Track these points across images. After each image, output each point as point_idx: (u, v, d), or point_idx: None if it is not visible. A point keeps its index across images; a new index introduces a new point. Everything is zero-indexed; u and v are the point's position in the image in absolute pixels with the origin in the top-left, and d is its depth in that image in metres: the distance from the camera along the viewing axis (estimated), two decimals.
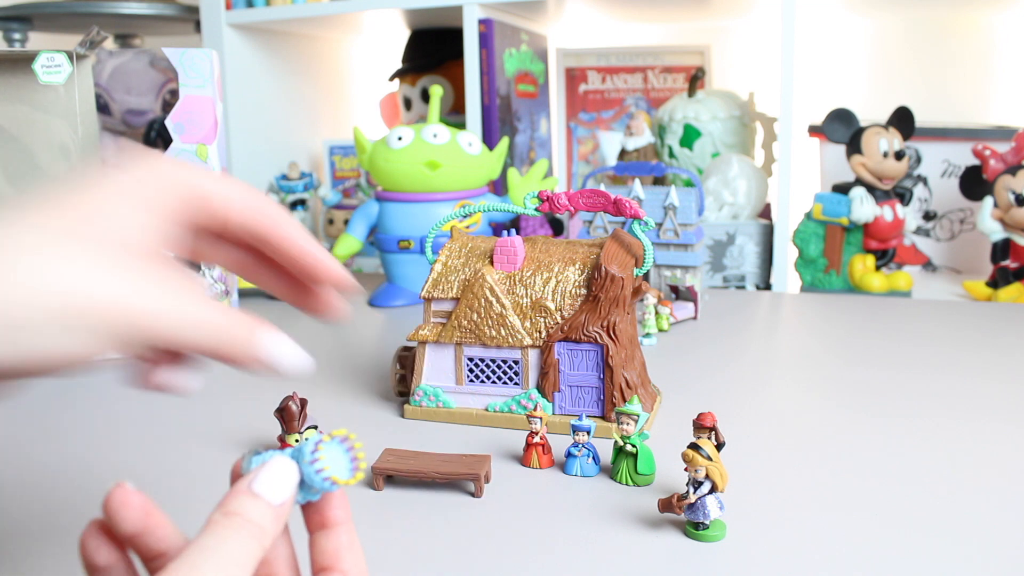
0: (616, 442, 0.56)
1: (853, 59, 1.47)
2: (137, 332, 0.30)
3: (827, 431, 0.64)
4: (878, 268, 1.16)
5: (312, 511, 0.31)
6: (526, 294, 0.65)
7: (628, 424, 0.56)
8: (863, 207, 1.12)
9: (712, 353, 0.86)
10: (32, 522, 0.52)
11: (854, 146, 1.14)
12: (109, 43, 1.77)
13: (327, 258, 0.36)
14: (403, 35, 1.60)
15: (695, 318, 1.00)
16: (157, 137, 1.46)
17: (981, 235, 1.20)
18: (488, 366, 0.67)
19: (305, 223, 1.49)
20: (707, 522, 0.47)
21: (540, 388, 0.65)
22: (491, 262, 0.67)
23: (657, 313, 0.94)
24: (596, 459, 0.57)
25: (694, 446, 0.47)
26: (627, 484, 0.55)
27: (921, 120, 1.24)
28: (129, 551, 0.30)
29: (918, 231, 1.29)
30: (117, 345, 0.29)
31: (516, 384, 0.66)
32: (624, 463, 0.56)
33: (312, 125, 1.65)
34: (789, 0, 1.12)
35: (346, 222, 1.48)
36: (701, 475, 0.47)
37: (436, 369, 0.68)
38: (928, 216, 1.28)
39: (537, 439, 0.59)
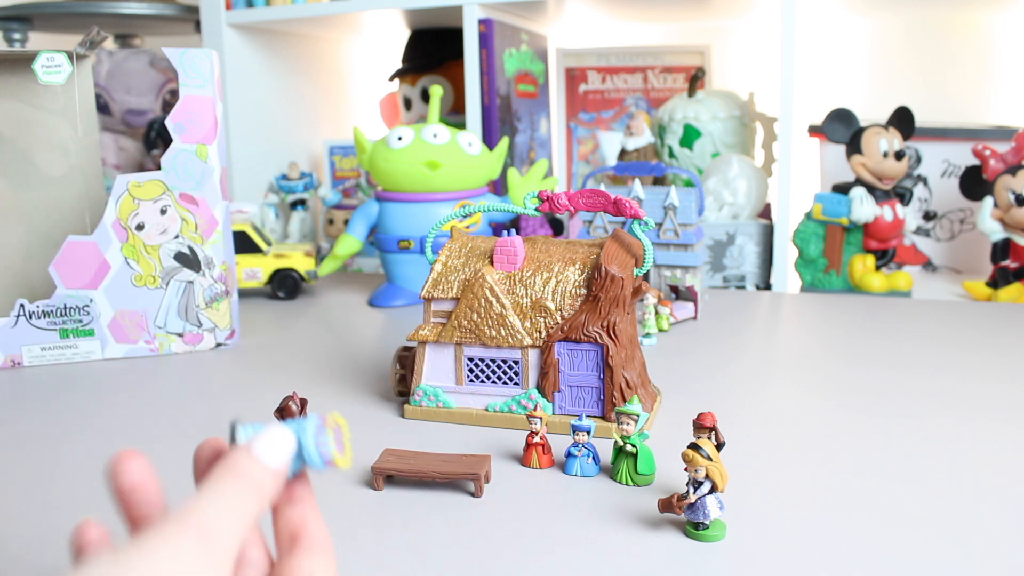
0: (616, 442, 0.56)
1: (853, 59, 1.47)
2: None
3: (827, 431, 0.64)
4: (878, 268, 1.16)
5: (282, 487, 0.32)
6: (526, 294, 0.65)
7: (628, 424, 0.56)
8: (863, 207, 1.12)
9: (712, 353, 0.86)
10: (32, 522, 0.52)
11: (854, 146, 1.14)
12: (109, 43, 1.77)
13: None
14: (403, 35, 1.60)
15: (695, 318, 1.00)
16: (157, 137, 1.46)
17: (981, 235, 1.20)
18: (488, 366, 0.67)
19: (305, 223, 1.49)
20: (707, 522, 0.47)
21: (540, 388, 0.65)
22: (491, 262, 0.67)
23: (657, 313, 0.94)
24: (596, 459, 0.57)
25: (694, 446, 0.47)
26: (627, 484, 0.55)
27: (921, 120, 1.24)
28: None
29: (918, 231, 1.29)
30: None
31: (516, 384, 0.66)
32: (624, 463, 0.56)
33: (312, 125, 1.65)
34: (789, 0, 1.12)
35: (346, 222, 1.48)
36: (701, 475, 0.47)
37: (436, 369, 0.68)
38: (928, 216, 1.28)
39: (537, 439, 0.59)
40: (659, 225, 1.04)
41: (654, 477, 0.56)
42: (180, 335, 0.90)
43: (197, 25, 1.53)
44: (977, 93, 1.40)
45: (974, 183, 1.15)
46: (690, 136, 1.30)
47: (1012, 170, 1.09)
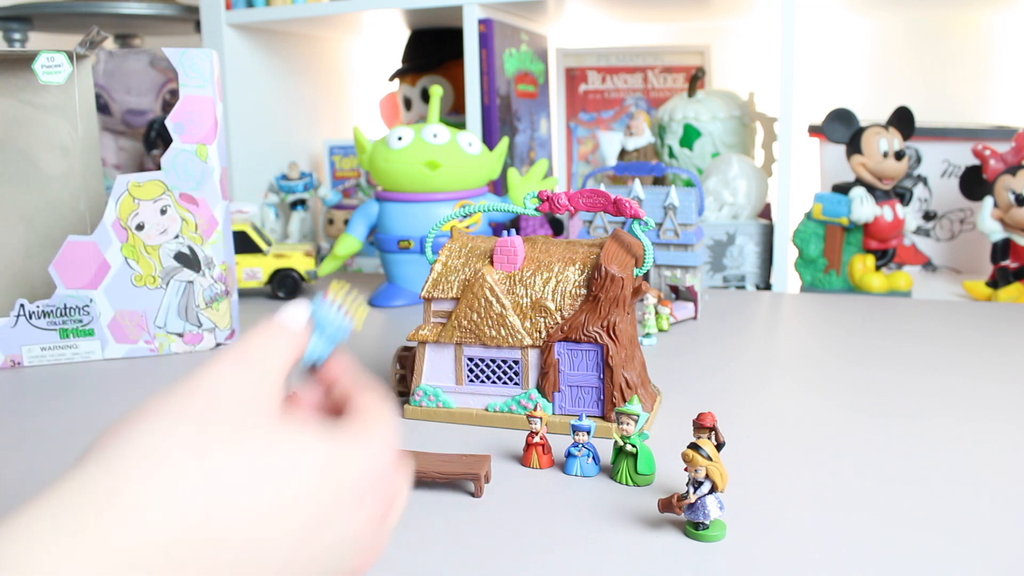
0: (616, 442, 0.56)
1: (853, 59, 1.47)
2: None
3: (827, 431, 0.64)
4: (878, 268, 1.16)
5: (324, 374, 0.36)
6: (526, 294, 0.65)
7: (628, 424, 0.56)
8: (863, 207, 1.12)
9: (712, 353, 0.86)
10: None
11: (854, 146, 1.14)
12: (109, 43, 1.77)
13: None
14: (403, 35, 1.60)
15: (695, 318, 1.00)
16: (157, 137, 1.46)
17: (981, 235, 1.20)
18: (488, 366, 0.67)
19: (305, 223, 1.49)
20: (707, 522, 0.47)
21: (540, 388, 0.65)
22: (491, 262, 0.67)
23: (657, 313, 0.94)
24: (596, 459, 0.57)
25: (694, 446, 0.47)
26: (627, 484, 0.55)
27: (921, 120, 1.24)
28: None
29: (918, 231, 1.29)
30: None
31: (516, 384, 0.66)
32: (624, 463, 0.56)
33: (312, 125, 1.65)
34: (789, 0, 1.12)
35: (346, 222, 1.48)
36: (701, 475, 0.47)
37: (436, 369, 0.68)
38: (928, 216, 1.28)
39: (537, 439, 0.59)
40: (659, 225, 1.04)
41: (654, 477, 0.56)
42: (180, 335, 0.90)
43: (197, 25, 1.53)
44: (977, 93, 1.40)
45: (974, 183, 1.15)
46: (690, 136, 1.30)
47: (1012, 170, 1.09)
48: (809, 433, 0.64)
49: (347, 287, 0.37)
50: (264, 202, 1.48)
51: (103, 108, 1.50)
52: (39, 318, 0.86)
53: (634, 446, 0.55)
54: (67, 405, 0.74)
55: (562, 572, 0.45)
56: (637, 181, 1.04)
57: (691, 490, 0.47)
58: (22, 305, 0.85)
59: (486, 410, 0.67)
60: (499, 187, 1.27)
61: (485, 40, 1.26)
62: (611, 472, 0.57)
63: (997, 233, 1.11)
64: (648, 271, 0.95)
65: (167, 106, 1.52)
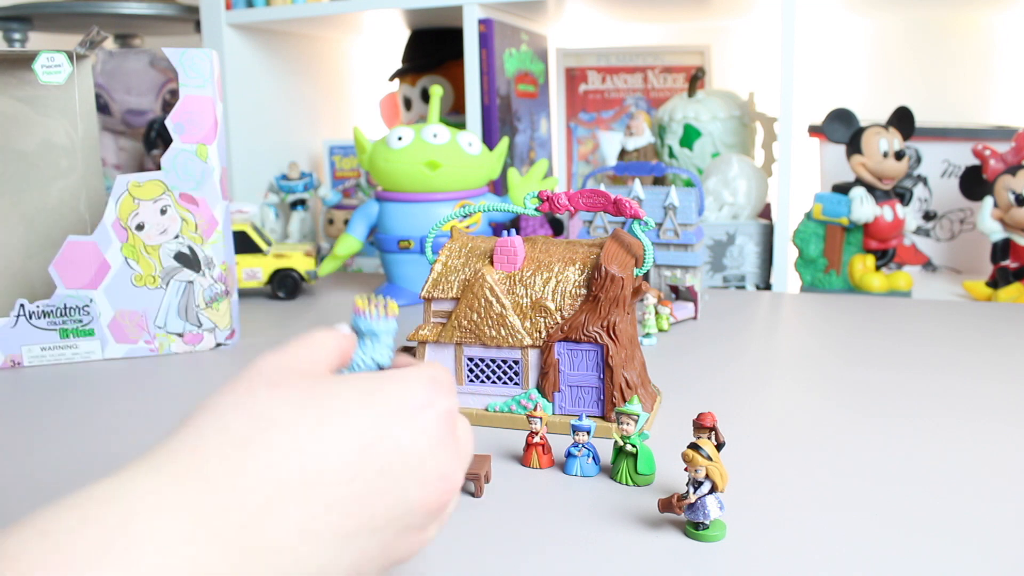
0: (616, 442, 0.56)
1: (853, 59, 1.47)
2: None
3: (827, 431, 0.64)
4: (878, 268, 1.16)
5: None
6: (526, 294, 0.65)
7: (628, 424, 0.56)
8: (863, 207, 1.12)
9: (712, 353, 0.86)
10: None
11: (854, 146, 1.14)
12: (109, 43, 1.77)
13: None
14: (403, 35, 1.60)
15: (695, 318, 1.00)
16: (157, 137, 1.46)
17: (981, 235, 1.20)
18: (488, 366, 0.67)
19: (305, 223, 1.49)
20: (707, 522, 0.47)
21: (540, 388, 0.65)
22: (491, 262, 0.67)
23: (657, 313, 0.94)
24: (596, 459, 0.57)
25: (694, 446, 0.47)
26: (627, 484, 0.55)
27: (921, 120, 1.24)
28: None
29: (918, 231, 1.29)
30: None
31: (516, 384, 0.66)
32: (624, 463, 0.56)
33: (312, 125, 1.65)
34: (789, 0, 1.12)
35: (346, 222, 1.48)
36: (701, 475, 0.47)
37: None
38: (928, 216, 1.28)
39: (537, 439, 0.59)
40: (659, 225, 1.04)
41: (654, 477, 0.56)
42: (180, 335, 0.90)
43: (197, 25, 1.53)
44: (977, 93, 1.40)
45: (974, 183, 1.15)
46: (690, 136, 1.30)
47: (1012, 170, 1.09)
48: (809, 433, 0.64)
49: (368, 296, 0.40)
50: (264, 202, 1.48)
51: (103, 108, 1.50)
52: (39, 318, 0.86)
53: (634, 446, 0.55)
54: (67, 405, 0.74)
55: (562, 572, 0.45)
56: (637, 181, 1.04)
57: (691, 490, 0.47)
58: (22, 305, 0.85)
59: (486, 410, 0.67)
60: (499, 187, 1.27)
61: (485, 40, 1.26)
62: (611, 472, 0.57)
63: (997, 233, 1.11)
64: (648, 271, 0.95)
65: (167, 106, 1.52)
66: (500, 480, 0.57)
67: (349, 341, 0.39)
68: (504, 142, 1.17)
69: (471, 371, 0.67)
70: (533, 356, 0.65)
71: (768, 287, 1.20)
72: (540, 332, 0.65)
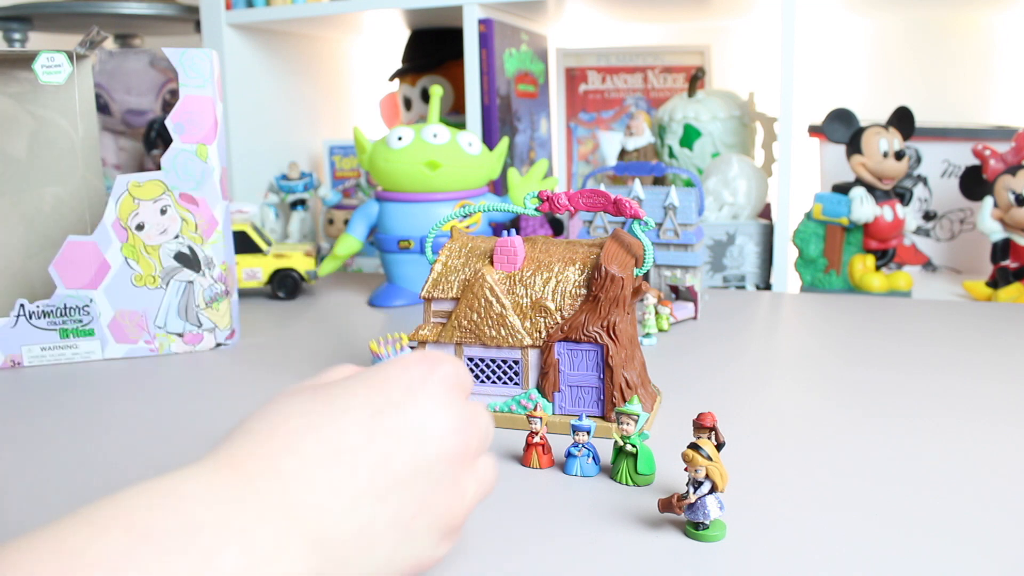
0: (616, 442, 0.56)
1: (853, 59, 1.47)
2: None
3: (827, 431, 0.64)
4: (878, 268, 1.16)
5: None
6: (526, 294, 0.65)
7: (628, 424, 0.56)
8: (863, 207, 1.12)
9: (712, 353, 0.86)
10: (32, 522, 0.52)
11: (854, 146, 1.14)
12: (109, 43, 1.77)
13: None
14: (403, 35, 1.60)
15: (695, 318, 1.00)
16: (157, 137, 1.47)
17: (981, 235, 1.20)
18: (488, 366, 0.67)
19: (305, 223, 1.49)
20: (707, 522, 0.47)
21: (540, 388, 0.65)
22: (491, 262, 0.67)
23: (657, 313, 0.94)
24: (596, 459, 0.57)
25: (694, 446, 0.47)
26: (627, 484, 0.55)
27: (921, 120, 1.24)
28: None
29: (918, 231, 1.29)
30: None
31: (516, 384, 0.66)
32: (624, 463, 0.56)
33: (312, 125, 1.65)
34: (789, 0, 1.12)
35: (346, 222, 1.48)
36: (701, 475, 0.47)
37: None
38: (928, 216, 1.28)
39: (537, 439, 0.59)
40: (659, 225, 1.04)
41: (654, 477, 0.56)
42: (180, 335, 0.90)
43: (197, 25, 1.53)
44: (977, 93, 1.40)
45: (974, 183, 1.15)
46: (690, 136, 1.30)
47: (1012, 170, 1.09)
48: (809, 433, 0.64)
49: (378, 338, 0.43)
50: (264, 202, 1.48)
51: (103, 108, 1.50)
52: (39, 318, 0.86)
53: (634, 446, 0.55)
54: (67, 405, 0.74)
55: (562, 572, 0.45)
56: (637, 181, 1.04)
57: (691, 490, 0.47)
58: (22, 305, 0.85)
59: (485, 408, 0.67)
60: (499, 187, 1.27)
61: (485, 40, 1.26)
62: (611, 472, 0.57)
63: (997, 233, 1.11)
64: (648, 271, 0.95)
65: (167, 106, 1.52)
66: (500, 480, 0.56)
67: None
68: (504, 142, 1.17)
69: (471, 371, 0.67)
70: (533, 356, 0.65)
71: (768, 287, 1.20)
72: (540, 332, 0.65)
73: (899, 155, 1.12)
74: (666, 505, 0.48)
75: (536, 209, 0.68)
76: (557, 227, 1.39)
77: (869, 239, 1.15)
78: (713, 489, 0.47)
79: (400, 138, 1.08)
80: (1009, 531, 0.48)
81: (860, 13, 1.41)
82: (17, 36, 1.55)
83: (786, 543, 0.47)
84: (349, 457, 0.35)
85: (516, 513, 0.52)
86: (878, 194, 1.14)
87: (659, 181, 1.28)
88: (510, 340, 0.65)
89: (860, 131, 1.14)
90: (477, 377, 0.67)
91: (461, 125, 1.36)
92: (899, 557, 0.46)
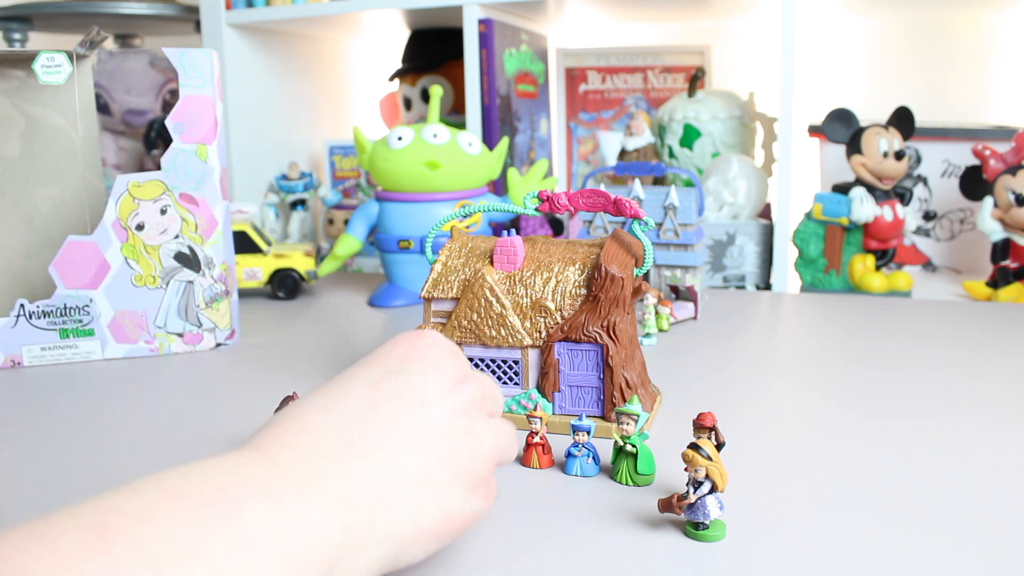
0: (616, 442, 0.56)
1: (853, 59, 1.47)
2: None
3: (827, 431, 0.64)
4: (878, 268, 1.16)
5: None
6: (526, 294, 0.65)
7: (628, 424, 0.56)
8: (863, 207, 1.12)
9: (712, 353, 0.86)
10: None
11: (854, 146, 1.14)
12: (109, 43, 1.77)
13: None
14: (403, 35, 1.60)
15: (695, 318, 1.00)
16: (157, 137, 1.47)
17: (981, 235, 1.20)
18: (488, 366, 0.67)
19: (305, 223, 1.49)
20: (707, 522, 0.47)
21: (540, 388, 0.65)
22: (491, 262, 0.67)
23: (657, 313, 0.94)
24: (596, 459, 0.57)
25: (694, 446, 0.47)
26: (627, 484, 0.55)
27: (921, 120, 1.24)
28: None
29: (918, 231, 1.29)
30: None
31: (516, 384, 0.66)
32: (624, 463, 0.56)
33: (312, 125, 1.65)
34: (789, 0, 1.12)
35: (346, 222, 1.48)
36: (701, 475, 0.47)
37: None
38: (928, 216, 1.28)
39: (537, 439, 0.59)
40: (659, 225, 1.04)
41: (654, 477, 0.56)
42: (180, 335, 0.90)
43: (197, 25, 1.53)
44: (977, 93, 1.40)
45: (974, 183, 1.15)
46: (690, 136, 1.30)
47: (1012, 170, 1.09)
48: (809, 433, 0.64)
49: None
50: (264, 202, 1.48)
51: (103, 108, 1.50)
52: (39, 318, 0.86)
53: (634, 446, 0.55)
54: (67, 405, 0.74)
55: (562, 572, 0.45)
56: (637, 181, 1.04)
57: (691, 490, 0.47)
58: (22, 305, 0.85)
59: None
60: (499, 187, 1.27)
61: (485, 40, 1.26)
62: (611, 472, 0.57)
63: (997, 233, 1.11)
64: (648, 271, 0.95)
65: (167, 106, 1.52)
66: (500, 480, 0.56)
67: None
68: (504, 142, 1.17)
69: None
70: (533, 356, 0.65)
71: (768, 287, 1.20)
72: (540, 332, 0.65)
73: (899, 155, 1.12)
74: (666, 505, 0.48)
75: (536, 209, 0.68)
76: (557, 227, 1.39)
77: (869, 239, 1.15)
78: (713, 489, 0.47)
79: (400, 138, 1.08)
80: (1009, 531, 0.48)
81: (860, 13, 1.41)
82: (17, 36, 1.55)
83: (786, 543, 0.47)
84: (358, 424, 0.37)
85: (516, 513, 0.52)
86: (878, 194, 1.14)
87: (659, 181, 1.28)
88: (510, 340, 0.65)
89: (860, 131, 1.14)
90: None
91: (461, 125, 1.36)
92: (899, 557, 0.46)
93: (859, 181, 1.15)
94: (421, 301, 1.05)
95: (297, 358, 0.87)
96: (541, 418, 0.58)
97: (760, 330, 0.96)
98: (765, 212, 1.28)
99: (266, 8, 1.38)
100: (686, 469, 0.47)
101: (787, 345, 0.91)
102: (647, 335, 0.91)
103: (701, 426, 0.50)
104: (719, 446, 0.49)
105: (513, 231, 0.69)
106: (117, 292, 0.87)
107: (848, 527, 0.49)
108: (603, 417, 0.64)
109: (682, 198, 1.03)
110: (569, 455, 0.57)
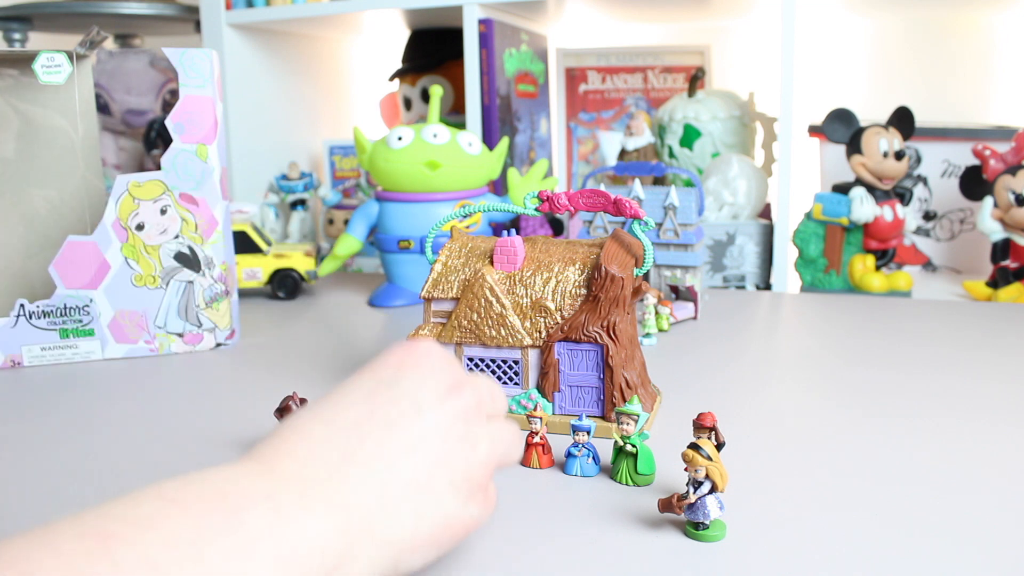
0: (616, 442, 0.56)
1: (853, 59, 1.47)
2: None
3: (827, 431, 0.64)
4: (878, 268, 1.16)
5: None
6: (526, 294, 0.65)
7: (628, 424, 0.56)
8: (863, 207, 1.12)
9: (712, 353, 0.86)
10: (32, 522, 0.52)
11: (854, 146, 1.14)
12: (109, 43, 1.77)
13: None
14: (403, 35, 1.60)
15: (695, 318, 1.00)
16: (157, 137, 1.47)
17: (981, 235, 1.20)
18: (488, 366, 0.67)
19: (305, 223, 1.49)
20: (707, 522, 0.47)
21: (540, 388, 0.65)
22: (491, 262, 0.67)
23: (657, 313, 0.94)
24: (596, 459, 0.57)
25: (694, 446, 0.47)
26: (627, 484, 0.55)
27: (921, 120, 1.24)
28: None
29: (918, 231, 1.29)
30: None
31: (516, 384, 0.66)
32: (624, 463, 0.56)
33: (312, 125, 1.65)
34: (789, 0, 1.12)
35: (346, 222, 1.48)
36: (701, 475, 0.47)
37: None
38: (928, 216, 1.28)
39: (537, 439, 0.59)
40: (659, 225, 1.04)
41: (654, 477, 0.56)
42: (180, 335, 0.90)
43: (197, 25, 1.53)
44: (977, 93, 1.40)
45: (974, 183, 1.15)
46: (690, 136, 1.30)
47: (1012, 170, 1.09)
48: (809, 433, 0.64)
49: None
50: (264, 202, 1.48)
51: (103, 108, 1.50)
52: (39, 318, 0.86)
53: (634, 446, 0.55)
54: (67, 405, 0.74)
55: (562, 572, 0.45)
56: (637, 181, 1.04)
57: (691, 490, 0.47)
58: (22, 305, 0.85)
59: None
60: (499, 187, 1.27)
61: (485, 40, 1.26)
62: (611, 472, 0.57)
63: (997, 233, 1.11)
64: (648, 271, 0.95)
65: (167, 106, 1.52)
66: (500, 480, 0.56)
67: None
68: (504, 142, 1.17)
69: (471, 371, 0.67)
70: (533, 356, 0.65)
71: (768, 287, 1.20)
72: (540, 332, 0.65)
73: (899, 155, 1.12)
74: (666, 505, 0.48)
75: (536, 209, 0.68)
76: (557, 227, 1.39)
77: (869, 239, 1.15)
78: (713, 489, 0.47)
79: (400, 138, 1.08)
80: (1009, 531, 0.48)
81: (860, 13, 1.41)
82: (17, 36, 1.55)
83: (786, 543, 0.47)
84: (355, 432, 0.38)
85: (516, 513, 0.52)
86: (878, 194, 1.14)
87: (659, 181, 1.28)
88: (510, 340, 0.65)
89: (860, 131, 1.14)
90: None
91: (461, 125, 1.36)
92: (899, 557, 0.46)
93: (859, 181, 1.15)
94: (421, 301, 1.05)
95: (297, 358, 0.87)
96: (541, 418, 0.58)
97: (760, 330, 0.96)
98: (765, 212, 1.28)
99: (266, 8, 1.38)
100: (686, 469, 0.47)
101: (787, 345, 0.91)
102: (647, 335, 0.91)
103: (701, 426, 0.50)
104: (719, 446, 0.49)
105: (513, 231, 0.69)
106: (117, 292, 0.87)
107: (848, 527, 0.49)
108: (603, 417, 0.64)
109: (682, 198, 1.03)
110: (569, 455, 0.57)
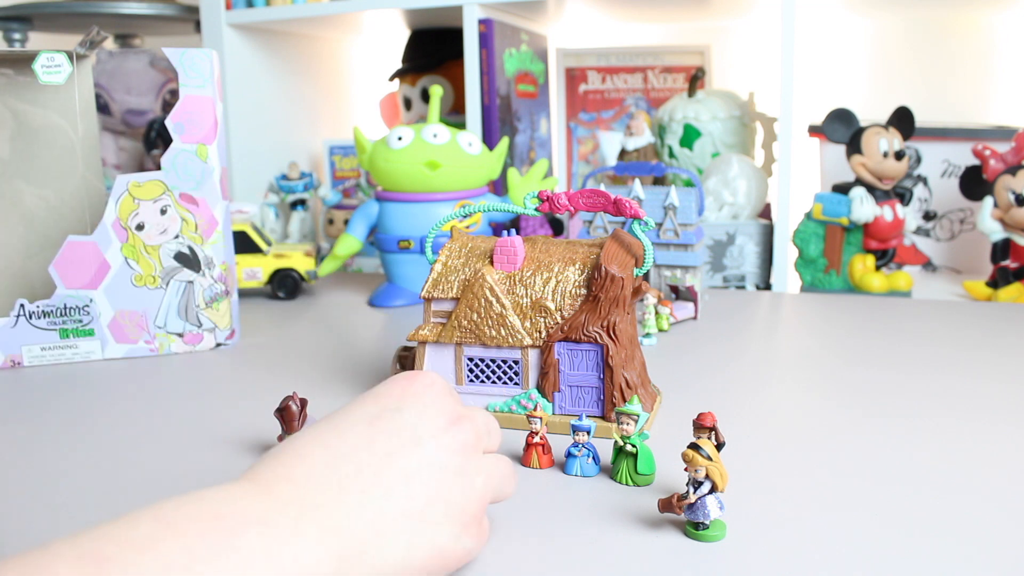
0: (616, 442, 0.56)
1: (853, 59, 1.47)
2: None
3: (827, 431, 0.64)
4: (878, 268, 1.16)
5: None
6: (526, 294, 0.65)
7: (628, 424, 0.56)
8: (863, 207, 1.12)
9: (712, 353, 0.86)
10: (32, 522, 0.52)
11: (854, 146, 1.14)
12: (109, 43, 1.77)
13: None
14: (403, 35, 1.60)
15: (695, 318, 1.00)
16: (157, 137, 1.47)
17: (981, 235, 1.20)
18: (488, 366, 0.67)
19: (305, 223, 1.49)
20: (707, 522, 0.47)
21: (540, 388, 0.65)
22: (491, 262, 0.67)
23: (657, 313, 0.94)
24: (596, 459, 0.57)
25: (694, 446, 0.47)
26: (627, 484, 0.55)
27: (921, 120, 1.24)
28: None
29: (918, 231, 1.29)
30: None
31: (516, 384, 0.66)
32: (624, 463, 0.56)
33: (312, 125, 1.65)
34: (789, 0, 1.12)
35: (346, 222, 1.48)
36: (701, 475, 0.47)
37: (436, 369, 0.68)
38: (928, 216, 1.28)
39: (537, 439, 0.59)
40: (659, 225, 1.04)
41: (654, 477, 0.56)
42: (180, 335, 0.90)
43: (197, 25, 1.53)
44: (977, 93, 1.40)
45: (974, 183, 1.15)
46: (690, 136, 1.30)
47: (1012, 170, 1.09)
48: (809, 433, 0.64)
49: None
50: (264, 202, 1.48)
51: (103, 108, 1.50)
52: (39, 318, 0.86)
53: (634, 446, 0.55)
54: (67, 405, 0.74)
55: (562, 572, 0.45)
56: (637, 181, 1.04)
57: (691, 490, 0.47)
58: (22, 305, 0.85)
59: (486, 410, 0.67)
60: (499, 187, 1.27)
61: (485, 40, 1.26)
62: (611, 472, 0.57)
63: (997, 233, 1.11)
64: (648, 271, 0.95)
65: (167, 106, 1.52)
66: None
67: None
68: (504, 142, 1.17)
69: (471, 371, 0.67)
70: (533, 356, 0.65)
71: (768, 287, 1.20)
72: (540, 332, 0.65)
73: (899, 155, 1.12)
74: (666, 505, 0.48)
75: (536, 209, 0.68)
76: (557, 227, 1.39)
77: (869, 239, 1.15)
78: (713, 489, 0.47)
79: (400, 138, 1.08)
80: (1009, 531, 0.48)
81: (860, 13, 1.41)
82: (17, 36, 1.55)
83: (786, 543, 0.47)
84: (353, 459, 0.38)
85: (516, 513, 0.52)
86: (878, 194, 1.14)
87: (659, 181, 1.28)
88: (510, 340, 0.65)
89: (860, 131, 1.14)
90: (477, 377, 0.67)
91: (461, 125, 1.36)
92: (899, 557, 0.46)
93: (859, 181, 1.15)
94: (421, 301, 1.05)
95: (297, 358, 0.87)
96: (541, 418, 0.58)
97: (760, 330, 0.96)
98: (765, 212, 1.28)
99: (266, 8, 1.38)
100: (686, 469, 0.47)
101: (787, 345, 0.91)
102: (647, 335, 0.91)
103: (701, 426, 0.50)
104: (719, 446, 0.49)
105: (513, 231, 0.69)
106: (117, 292, 0.87)
107: (848, 527, 0.49)
108: (603, 417, 0.64)
109: (682, 198, 1.03)
110: (569, 455, 0.57)
